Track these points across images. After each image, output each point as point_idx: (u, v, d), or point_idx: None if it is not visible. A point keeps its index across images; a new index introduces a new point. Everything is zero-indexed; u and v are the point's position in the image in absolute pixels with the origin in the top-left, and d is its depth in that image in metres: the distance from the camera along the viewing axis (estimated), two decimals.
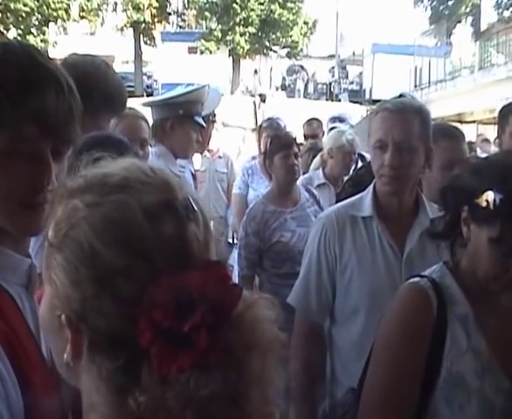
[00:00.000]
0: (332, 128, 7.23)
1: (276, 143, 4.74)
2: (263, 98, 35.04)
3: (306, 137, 7.93)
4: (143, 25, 44.26)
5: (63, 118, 1.44)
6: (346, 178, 5.37)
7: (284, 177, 4.71)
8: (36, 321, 1.54)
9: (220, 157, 6.96)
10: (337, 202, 4.37)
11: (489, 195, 1.92)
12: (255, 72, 44.68)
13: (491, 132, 16.59)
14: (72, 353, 1.02)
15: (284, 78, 46.40)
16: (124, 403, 0.94)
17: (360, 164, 5.89)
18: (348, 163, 6.02)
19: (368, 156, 6.15)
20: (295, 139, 4.93)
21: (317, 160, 6.49)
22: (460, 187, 2.08)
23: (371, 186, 2.97)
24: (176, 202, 1.01)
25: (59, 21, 41.25)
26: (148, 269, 0.95)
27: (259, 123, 6.89)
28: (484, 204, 1.93)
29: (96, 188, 1.02)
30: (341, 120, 7.86)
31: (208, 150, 6.45)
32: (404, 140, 2.76)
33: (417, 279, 2.13)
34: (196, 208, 1.03)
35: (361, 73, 48.45)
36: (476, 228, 2.00)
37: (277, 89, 45.48)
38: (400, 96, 3.96)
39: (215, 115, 5.41)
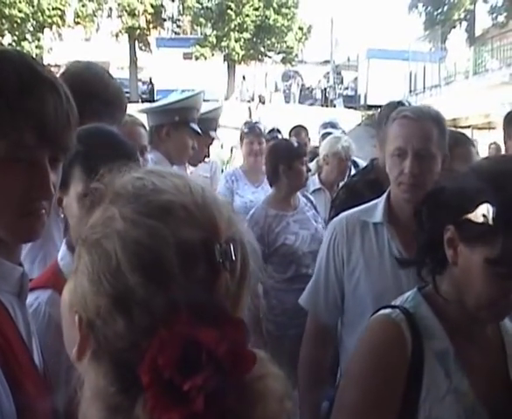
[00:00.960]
0: (325, 134, 7.28)
1: (295, 150, 4.81)
2: (262, 100, 35.10)
3: None
4: (138, 31, 44.28)
5: (61, 126, 1.45)
6: (341, 184, 5.41)
7: (300, 183, 4.82)
8: (27, 329, 1.56)
9: (205, 162, 6.95)
10: (332, 208, 4.37)
11: (486, 209, 1.69)
12: (243, 78, 44.72)
13: (486, 137, 16.64)
14: (78, 351, 1.00)
15: (276, 84, 46.37)
16: None
17: (353, 171, 5.94)
18: (343, 169, 6.08)
19: (361, 162, 6.21)
20: None
21: (313, 166, 6.52)
22: (442, 203, 1.86)
23: (386, 193, 2.97)
24: (215, 246, 0.95)
25: (54, 27, 41.25)
26: (167, 306, 0.91)
27: None
28: (480, 220, 1.69)
29: (139, 202, 0.99)
30: (332, 125, 7.90)
31: None
32: (424, 148, 2.75)
33: (388, 311, 1.93)
34: (236, 255, 0.97)
35: (356, 79, 48.50)
36: (466, 249, 1.77)
37: (276, 89, 45.53)
38: (399, 104, 3.94)
39: (215, 128, 5.40)
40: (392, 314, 1.90)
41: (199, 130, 4.27)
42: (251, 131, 6.55)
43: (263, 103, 35.88)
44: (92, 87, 2.78)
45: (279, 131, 8.08)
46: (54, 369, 1.64)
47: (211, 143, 5.20)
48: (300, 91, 46.30)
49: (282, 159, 4.73)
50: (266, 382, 0.94)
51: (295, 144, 4.88)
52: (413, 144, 2.74)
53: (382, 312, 1.96)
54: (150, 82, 43.70)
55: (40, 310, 1.88)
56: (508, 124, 4.44)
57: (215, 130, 4.58)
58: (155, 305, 0.92)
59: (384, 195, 2.97)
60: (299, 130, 8.13)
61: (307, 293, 3.15)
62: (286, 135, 7.80)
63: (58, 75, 2.93)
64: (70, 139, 1.49)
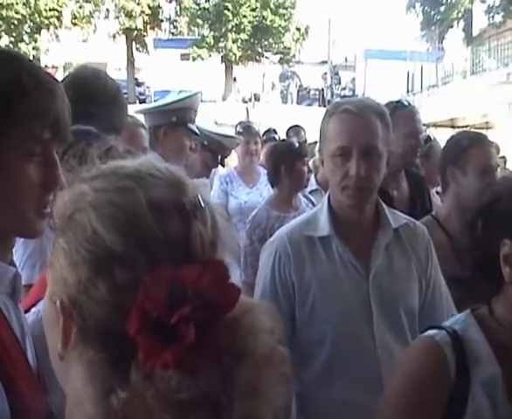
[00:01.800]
0: None
1: (296, 150, 4.82)
2: (257, 97, 35.05)
3: None
4: (136, 32, 44.26)
5: (67, 121, 1.52)
6: None
7: (301, 183, 4.88)
8: (21, 329, 1.57)
9: None
10: None
11: None
12: (234, 79, 44.77)
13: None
14: (62, 340, 1.00)
15: (274, 85, 46.40)
16: (106, 401, 0.91)
17: None
18: None
19: None
20: None
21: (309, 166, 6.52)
22: (499, 215, 1.70)
23: (325, 200, 2.68)
24: (184, 199, 0.99)
25: (51, 28, 41.22)
26: (147, 260, 0.93)
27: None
28: None
29: (107, 176, 1.02)
30: None
31: None
32: (370, 146, 2.48)
33: (433, 332, 1.78)
34: (205, 208, 1.01)
35: (353, 79, 48.55)
36: None
37: (273, 88, 45.55)
38: (398, 103, 3.98)
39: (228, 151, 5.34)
40: (437, 336, 1.75)
41: (196, 130, 4.26)
42: (246, 131, 6.53)
43: (258, 100, 35.83)
44: (93, 92, 2.80)
45: (275, 131, 8.07)
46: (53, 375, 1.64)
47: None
48: (298, 91, 46.34)
49: (284, 159, 4.74)
50: (254, 315, 0.95)
51: (296, 144, 4.88)
52: (358, 142, 2.46)
53: (427, 332, 1.81)
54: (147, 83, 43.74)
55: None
56: None
57: (194, 122, 4.36)
58: (135, 260, 0.93)
59: (325, 203, 2.65)
60: (297, 129, 8.15)
61: None
62: (282, 136, 7.79)
63: (61, 78, 2.98)
64: (70, 133, 1.56)
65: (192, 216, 0.98)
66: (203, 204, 1.00)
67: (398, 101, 4.04)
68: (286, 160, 4.74)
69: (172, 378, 0.88)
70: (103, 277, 0.93)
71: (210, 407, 0.90)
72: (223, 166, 5.47)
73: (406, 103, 4.07)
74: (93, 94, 2.77)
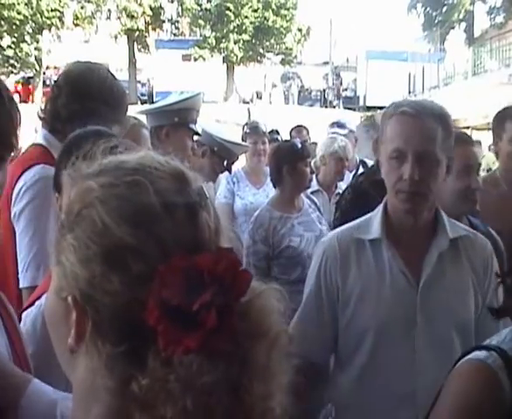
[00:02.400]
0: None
1: (299, 151, 4.80)
2: (259, 95, 34.97)
3: None
4: (137, 33, 44.27)
5: (6, 127, 1.51)
6: (344, 186, 5.41)
7: (303, 185, 4.83)
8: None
9: None
10: (337, 209, 4.31)
11: None
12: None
13: (485, 138, 16.64)
14: (75, 336, 1.00)
15: (274, 84, 46.36)
16: (125, 389, 0.93)
17: (361, 169, 5.92)
18: (340, 170, 6.07)
19: (370, 162, 6.19)
20: None
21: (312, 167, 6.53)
22: None
23: (382, 204, 2.57)
24: (189, 189, 1.02)
25: (53, 29, 41.20)
26: (159, 249, 0.95)
27: None
28: None
29: (111, 171, 1.03)
30: (339, 125, 7.85)
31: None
32: (426, 150, 2.38)
33: (482, 355, 1.60)
34: (208, 196, 1.04)
35: (355, 80, 48.51)
36: None
37: (273, 87, 45.53)
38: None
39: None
40: (488, 360, 1.57)
41: (198, 130, 4.26)
42: (253, 131, 6.50)
43: (260, 98, 35.78)
44: (97, 91, 2.80)
45: (278, 132, 8.06)
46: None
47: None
48: (300, 92, 46.31)
49: (286, 160, 4.74)
50: (265, 298, 0.99)
51: (299, 145, 4.88)
52: (414, 145, 2.37)
53: (474, 355, 1.63)
54: (149, 83, 43.75)
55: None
56: (497, 125, 4.37)
57: (196, 123, 4.32)
58: (148, 251, 0.95)
59: (380, 207, 2.57)
60: (299, 129, 8.16)
61: (295, 329, 2.44)
62: (285, 136, 7.77)
63: (59, 75, 2.97)
64: (15, 138, 1.55)
65: (198, 206, 1.00)
66: (207, 194, 1.04)
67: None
68: (288, 160, 4.73)
69: (194, 362, 0.90)
70: (116, 270, 0.95)
71: (231, 389, 0.92)
72: (229, 172, 5.52)
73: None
74: (89, 88, 2.77)
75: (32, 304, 1.93)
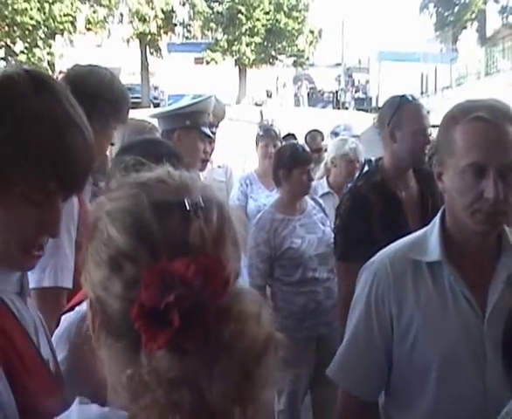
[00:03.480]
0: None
1: (297, 157, 4.78)
2: (269, 93, 34.85)
3: (310, 151, 7.72)
4: (149, 37, 44.32)
5: (83, 174, 1.51)
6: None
7: (299, 192, 4.80)
8: (34, 325, 1.59)
9: (219, 167, 6.94)
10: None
11: None
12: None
13: None
14: (92, 334, 1.15)
15: (285, 84, 46.35)
16: (120, 378, 1.06)
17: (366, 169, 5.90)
18: (351, 171, 6.05)
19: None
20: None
21: (321, 169, 6.52)
22: None
23: (437, 219, 2.25)
24: (187, 199, 1.10)
25: (66, 33, 41.31)
26: (149, 255, 1.05)
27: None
28: None
29: (122, 187, 1.16)
30: (344, 129, 7.81)
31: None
32: (510, 163, 2.02)
33: None
34: (211, 208, 1.12)
35: (367, 81, 48.46)
36: None
37: (284, 86, 45.56)
38: (402, 98, 3.72)
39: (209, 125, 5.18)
40: None
41: (211, 134, 4.27)
42: (266, 134, 6.53)
43: (270, 97, 35.73)
44: (96, 89, 2.81)
45: (294, 137, 7.97)
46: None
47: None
48: (312, 94, 46.29)
49: (282, 164, 4.76)
50: (243, 303, 1.06)
51: (301, 150, 4.86)
52: (496, 158, 2.00)
53: None
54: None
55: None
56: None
57: (209, 126, 4.23)
58: (138, 256, 1.06)
59: (436, 223, 2.24)
60: (314, 135, 8.04)
61: (340, 362, 2.34)
62: (300, 138, 7.70)
63: (60, 79, 2.97)
64: (87, 180, 1.55)
65: (193, 215, 1.08)
66: (203, 204, 1.11)
67: (403, 96, 3.76)
68: (284, 165, 4.75)
69: (164, 358, 1.01)
70: (117, 273, 1.07)
71: (193, 386, 1.02)
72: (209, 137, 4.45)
73: (411, 98, 3.76)
74: (87, 86, 2.77)
75: (73, 308, 1.95)
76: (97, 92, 2.80)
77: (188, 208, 1.09)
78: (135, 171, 1.20)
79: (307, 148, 5.21)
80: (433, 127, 3.65)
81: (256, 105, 39.49)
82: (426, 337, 2.14)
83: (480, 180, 2.02)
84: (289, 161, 4.74)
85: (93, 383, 1.21)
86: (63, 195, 1.48)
